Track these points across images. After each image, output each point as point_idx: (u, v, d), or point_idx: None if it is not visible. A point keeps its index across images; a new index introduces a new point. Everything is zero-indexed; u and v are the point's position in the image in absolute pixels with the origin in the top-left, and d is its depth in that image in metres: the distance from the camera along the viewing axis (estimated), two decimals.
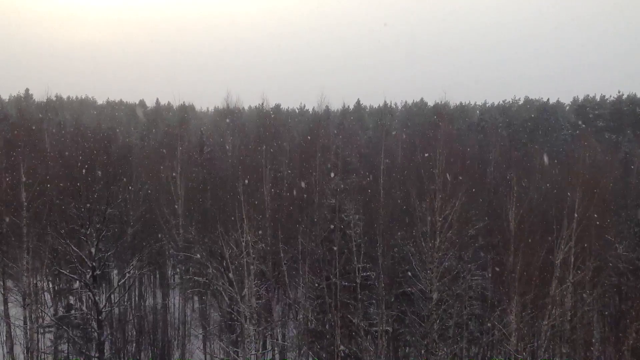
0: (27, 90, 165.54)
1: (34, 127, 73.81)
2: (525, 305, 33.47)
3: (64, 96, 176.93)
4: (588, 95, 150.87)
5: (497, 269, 39.47)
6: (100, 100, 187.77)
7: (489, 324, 38.76)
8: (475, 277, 40.62)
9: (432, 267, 36.48)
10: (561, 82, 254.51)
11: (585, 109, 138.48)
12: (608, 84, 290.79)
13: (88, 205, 42.30)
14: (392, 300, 43.09)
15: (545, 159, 73.44)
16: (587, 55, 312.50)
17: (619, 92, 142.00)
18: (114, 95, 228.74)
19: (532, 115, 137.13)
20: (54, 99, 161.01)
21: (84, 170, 43.12)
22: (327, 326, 36.44)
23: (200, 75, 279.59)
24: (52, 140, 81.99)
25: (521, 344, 32.51)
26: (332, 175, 49.87)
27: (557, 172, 64.07)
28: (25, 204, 41.46)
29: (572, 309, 38.80)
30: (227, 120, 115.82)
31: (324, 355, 34.72)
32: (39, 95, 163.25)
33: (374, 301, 39.53)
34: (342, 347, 34.66)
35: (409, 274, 38.85)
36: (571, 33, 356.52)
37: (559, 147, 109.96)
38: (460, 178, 45.16)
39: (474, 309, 41.81)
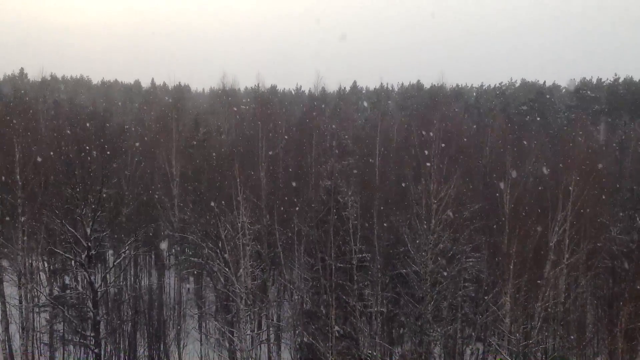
0: (21, 69, 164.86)
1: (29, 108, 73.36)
2: (520, 287, 33.66)
3: (59, 76, 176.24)
4: (584, 78, 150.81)
5: (492, 251, 39.62)
6: (95, 80, 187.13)
7: (483, 306, 38.98)
8: (470, 259, 40.78)
9: (427, 249, 36.61)
10: (558, 65, 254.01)
11: (581, 92, 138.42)
12: (605, 67, 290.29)
13: (83, 185, 42.27)
14: (387, 281, 43.27)
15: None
16: (584, 37, 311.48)
17: (615, 75, 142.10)
18: (109, 76, 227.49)
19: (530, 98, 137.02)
20: (49, 78, 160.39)
21: (79, 154, 43.08)
22: (322, 307, 36.55)
23: (196, 56, 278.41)
24: (47, 119, 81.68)
25: (515, 325, 32.74)
26: (328, 157, 49.82)
27: (553, 155, 64.21)
28: (21, 183, 41.34)
29: (566, 291, 39.07)
30: (223, 102, 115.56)
31: (318, 336, 34.87)
32: (33, 75, 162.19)
33: (369, 282, 39.68)
34: (337, 328, 34.80)
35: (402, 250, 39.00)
36: (569, 16, 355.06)
37: (555, 130, 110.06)
38: (456, 160, 45.24)
39: (468, 291, 42.03)
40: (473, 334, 42.67)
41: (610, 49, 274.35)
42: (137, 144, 72.34)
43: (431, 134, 40.06)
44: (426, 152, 39.24)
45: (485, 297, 38.01)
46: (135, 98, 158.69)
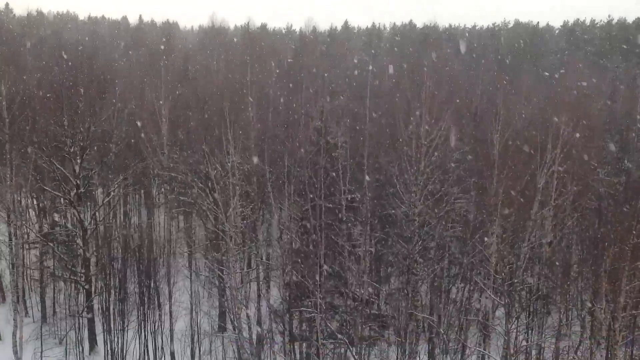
0: (7, 4, 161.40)
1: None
2: (506, 228, 33.97)
3: (45, 11, 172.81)
4: (578, 19, 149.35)
5: (480, 192, 39.85)
6: (82, 16, 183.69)
7: (469, 246, 39.42)
8: (458, 200, 41.05)
9: (416, 190, 36.77)
10: (552, 6, 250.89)
11: (575, 33, 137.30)
12: (599, 7, 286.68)
13: (71, 122, 41.88)
14: (376, 222, 43.59)
15: None
16: None
17: (609, 16, 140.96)
18: (95, 11, 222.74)
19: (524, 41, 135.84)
20: (35, 13, 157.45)
21: (67, 90, 42.53)
22: (311, 246, 36.88)
23: None
24: (34, 56, 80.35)
25: (500, 264, 33.15)
26: (319, 97, 49.42)
27: (544, 97, 63.97)
28: (8, 120, 40.82)
29: (552, 231, 39.49)
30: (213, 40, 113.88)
31: (307, 274, 35.28)
32: (19, 10, 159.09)
33: (358, 223, 39.97)
34: (325, 267, 35.18)
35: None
36: None
37: (547, 71, 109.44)
38: (447, 102, 45.04)
39: (455, 231, 42.46)
40: (459, 273, 43.28)
41: None
42: (125, 82, 71.49)
43: (423, 74, 39.63)
44: (418, 93, 38.99)
45: (473, 238, 38.39)
46: (123, 35, 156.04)
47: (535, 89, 71.81)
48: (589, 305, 33.69)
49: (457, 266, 43.88)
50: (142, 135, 55.00)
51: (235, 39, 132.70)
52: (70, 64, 50.50)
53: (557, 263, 38.55)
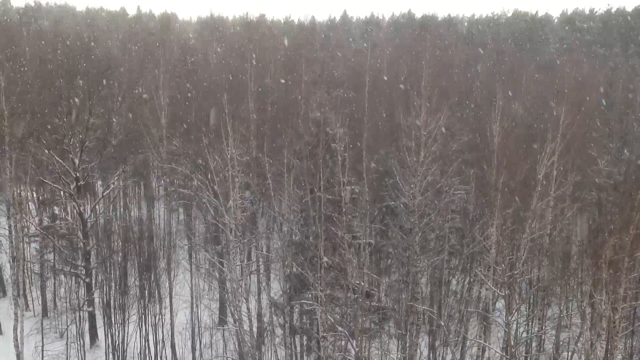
0: None
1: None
2: (506, 219, 33.93)
3: (43, 2, 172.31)
4: (577, 8, 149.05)
5: (480, 183, 39.82)
6: (80, 7, 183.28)
7: (469, 237, 39.41)
8: (458, 191, 41.00)
9: (416, 181, 36.69)
10: None
11: (574, 22, 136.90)
12: None
13: (70, 114, 41.79)
14: (376, 214, 43.56)
15: None
16: None
17: (608, 5, 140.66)
18: (94, 2, 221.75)
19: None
20: (33, 4, 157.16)
21: (65, 82, 42.39)
22: (311, 238, 36.82)
23: None
24: (32, 48, 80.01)
25: (501, 256, 33.13)
26: (317, 88, 49.28)
27: (544, 87, 63.84)
28: (6, 112, 40.65)
29: (552, 222, 39.46)
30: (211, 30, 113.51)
31: (307, 266, 35.26)
32: (17, 1, 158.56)
33: (357, 214, 39.91)
34: (325, 259, 35.13)
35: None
36: None
37: (546, 61, 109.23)
38: (446, 92, 44.96)
39: (455, 222, 42.39)
40: (459, 264, 43.29)
41: None
42: (124, 73, 71.30)
43: (422, 64, 39.51)
44: (416, 82, 38.85)
45: (472, 229, 38.39)
46: (121, 26, 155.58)
47: (534, 79, 71.63)
48: (589, 296, 33.69)
49: (457, 258, 43.89)
50: (142, 127, 54.87)
51: (233, 29, 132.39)
52: (68, 56, 50.30)
53: (557, 254, 38.55)
